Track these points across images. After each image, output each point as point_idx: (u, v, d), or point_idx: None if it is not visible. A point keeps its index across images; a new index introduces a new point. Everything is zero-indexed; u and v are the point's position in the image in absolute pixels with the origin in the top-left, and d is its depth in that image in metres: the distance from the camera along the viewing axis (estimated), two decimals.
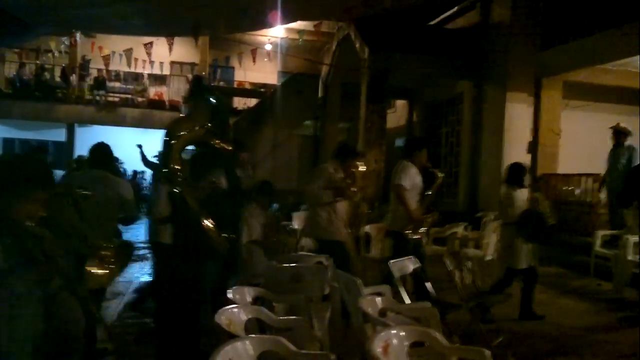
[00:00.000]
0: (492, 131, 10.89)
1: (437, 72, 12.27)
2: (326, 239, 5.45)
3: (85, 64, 17.05)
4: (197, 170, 4.23)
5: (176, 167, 3.68)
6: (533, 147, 10.30)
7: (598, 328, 5.18)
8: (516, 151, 9.88)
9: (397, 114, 16.68)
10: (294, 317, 3.69)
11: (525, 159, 9.56)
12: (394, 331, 2.94)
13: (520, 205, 5.54)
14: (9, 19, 6.79)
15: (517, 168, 5.76)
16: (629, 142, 7.68)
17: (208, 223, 3.78)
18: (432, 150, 13.88)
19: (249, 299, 4.15)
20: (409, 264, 4.67)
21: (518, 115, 10.42)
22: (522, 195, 5.59)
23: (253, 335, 3.17)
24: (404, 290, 4.37)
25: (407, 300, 4.31)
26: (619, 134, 7.59)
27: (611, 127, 7.63)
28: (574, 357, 4.48)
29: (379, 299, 3.74)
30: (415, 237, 5.46)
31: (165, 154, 3.71)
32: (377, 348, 2.73)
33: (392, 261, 4.57)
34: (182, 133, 3.75)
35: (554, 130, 10.23)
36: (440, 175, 5.64)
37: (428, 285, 4.67)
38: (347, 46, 13.66)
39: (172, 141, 3.68)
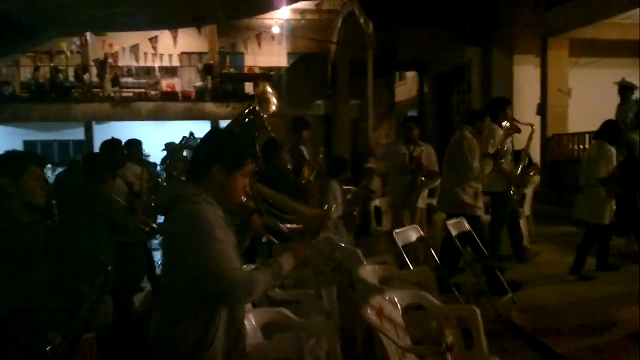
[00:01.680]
0: (501, 95, 10.84)
1: (445, 41, 12.20)
2: (471, 215, 5.22)
3: (103, 64, 17.30)
4: (267, 151, 4.44)
5: None
6: (542, 108, 10.25)
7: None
8: (526, 114, 9.83)
9: (408, 85, 16.64)
10: (301, 290, 3.87)
11: (535, 120, 9.54)
12: (388, 295, 3.09)
13: (611, 162, 5.44)
14: (16, 26, 7.01)
15: (613, 124, 5.66)
16: (636, 95, 7.62)
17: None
18: (443, 119, 14.00)
19: None
20: (412, 233, 4.80)
21: (526, 78, 10.36)
22: (612, 151, 5.47)
23: (257, 309, 3.35)
24: (406, 258, 4.50)
25: (411, 267, 4.46)
26: (625, 88, 7.52)
27: (615, 83, 7.56)
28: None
29: (377, 267, 3.89)
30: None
31: None
32: (372, 313, 2.89)
33: (396, 231, 4.71)
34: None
35: (563, 90, 10.15)
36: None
37: (432, 252, 4.80)
38: (352, 22, 13.65)
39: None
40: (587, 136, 9.34)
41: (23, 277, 2.41)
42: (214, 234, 1.88)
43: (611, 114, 8.04)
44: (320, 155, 6.18)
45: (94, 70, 17.91)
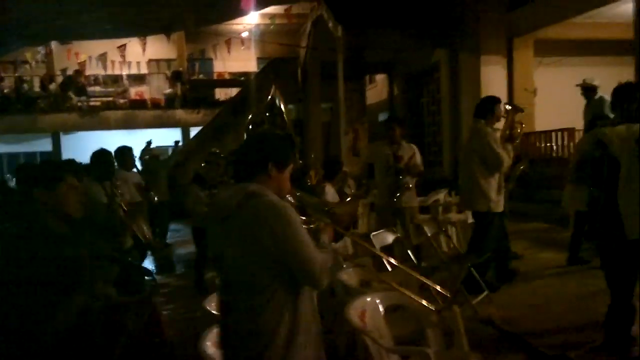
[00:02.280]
0: (469, 96, 11.03)
1: (413, 43, 12.35)
2: (494, 212, 5.11)
3: (69, 80, 17.02)
4: None
5: None
6: None
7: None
8: None
9: (378, 88, 16.79)
10: None
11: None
12: (369, 298, 3.13)
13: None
14: None
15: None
16: (600, 93, 7.82)
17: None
18: (414, 120, 14.17)
19: None
20: (389, 236, 4.86)
21: (493, 78, 10.56)
22: None
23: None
24: (387, 261, 4.55)
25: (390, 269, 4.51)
26: (587, 90, 7.71)
27: (577, 85, 7.75)
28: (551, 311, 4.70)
29: (357, 270, 3.94)
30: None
31: None
32: (355, 315, 2.93)
33: (373, 234, 4.77)
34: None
35: (528, 89, 10.39)
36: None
37: (409, 253, 4.87)
38: (321, 26, 13.70)
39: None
40: (553, 134, 9.57)
41: (63, 293, 2.40)
42: (300, 222, 2.09)
43: (576, 112, 8.27)
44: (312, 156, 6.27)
45: (60, 80, 17.58)
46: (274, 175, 2.18)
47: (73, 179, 2.60)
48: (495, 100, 5.28)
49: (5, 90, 17.50)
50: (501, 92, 10.59)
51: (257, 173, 2.16)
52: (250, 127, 3.30)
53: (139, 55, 16.56)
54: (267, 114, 3.20)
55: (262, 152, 2.20)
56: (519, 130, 5.33)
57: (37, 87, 18.11)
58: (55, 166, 2.71)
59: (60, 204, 2.53)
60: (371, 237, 4.67)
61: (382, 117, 16.01)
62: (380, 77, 16.75)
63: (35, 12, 6.21)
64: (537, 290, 5.14)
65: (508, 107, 5.46)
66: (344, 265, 4.03)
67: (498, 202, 5.16)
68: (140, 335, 2.86)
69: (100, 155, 4.79)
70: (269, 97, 3.14)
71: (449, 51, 11.97)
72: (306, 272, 2.03)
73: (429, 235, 5.03)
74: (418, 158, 5.92)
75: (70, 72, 16.81)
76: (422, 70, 13.91)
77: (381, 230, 4.81)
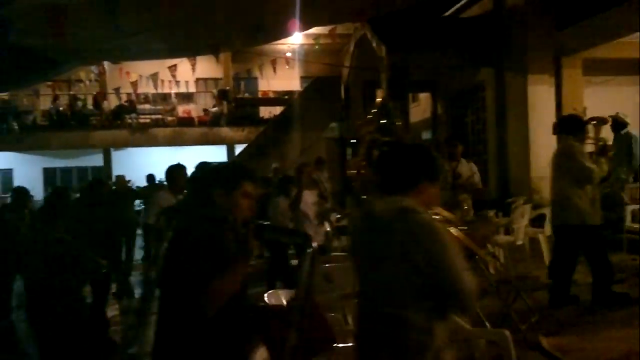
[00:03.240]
0: (516, 116, 10.90)
1: (457, 62, 12.30)
2: (589, 224, 5.06)
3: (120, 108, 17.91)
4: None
5: (362, 162, 4.19)
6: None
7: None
8: (542, 134, 9.88)
9: (422, 107, 16.73)
10: (329, 314, 3.91)
11: (551, 140, 9.58)
12: None
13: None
14: (39, 57, 7.24)
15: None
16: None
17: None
18: (458, 140, 14.03)
19: (284, 301, 4.40)
20: None
21: (540, 98, 10.40)
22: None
23: None
24: None
25: None
26: (616, 124, 7.77)
27: (610, 116, 7.68)
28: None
29: None
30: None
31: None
32: None
33: None
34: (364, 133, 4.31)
35: (577, 109, 10.16)
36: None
37: None
38: (364, 46, 13.82)
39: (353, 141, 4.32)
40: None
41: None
42: (453, 243, 2.04)
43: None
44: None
45: (112, 98, 18.28)
46: (426, 190, 2.13)
47: (250, 185, 2.51)
48: (583, 120, 5.42)
49: (61, 108, 18.29)
50: (549, 111, 10.43)
51: (410, 187, 2.11)
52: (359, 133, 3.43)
53: (188, 75, 17.08)
54: (380, 122, 3.32)
55: (417, 165, 2.15)
56: (608, 143, 5.41)
57: (90, 105, 18.86)
58: (234, 170, 2.57)
59: (233, 208, 2.43)
60: None
61: (425, 135, 15.95)
62: (423, 96, 16.71)
63: (89, 33, 6.51)
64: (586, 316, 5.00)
65: (593, 121, 5.46)
66: None
67: (593, 214, 5.09)
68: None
69: (175, 170, 5.16)
70: (380, 105, 3.27)
71: (495, 70, 11.86)
72: (456, 294, 1.97)
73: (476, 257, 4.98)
74: (477, 177, 5.99)
75: (122, 90, 17.49)
76: (466, 89, 13.80)
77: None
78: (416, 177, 2.13)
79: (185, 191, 5.12)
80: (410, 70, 12.96)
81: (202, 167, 5.16)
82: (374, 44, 12.57)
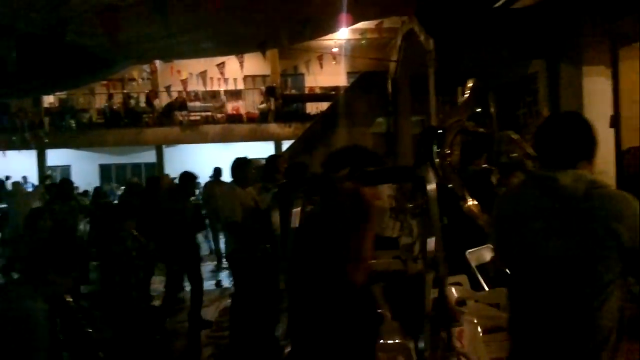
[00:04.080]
0: (570, 108, 10.51)
1: (507, 54, 11.97)
2: None
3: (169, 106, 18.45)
4: (467, 155, 4.59)
5: (447, 151, 4.18)
6: (616, 121, 9.85)
7: None
8: (599, 126, 9.45)
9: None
10: None
11: (609, 133, 9.21)
12: (467, 318, 3.07)
13: None
14: (93, 57, 7.50)
15: None
16: None
17: (471, 204, 4.12)
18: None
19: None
20: (486, 253, 4.72)
21: (596, 89, 9.99)
22: None
23: None
24: (482, 279, 4.44)
25: (486, 288, 4.39)
26: None
27: None
28: None
29: (454, 289, 3.86)
30: None
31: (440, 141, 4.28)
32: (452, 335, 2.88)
33: (469, 251, 4.65)
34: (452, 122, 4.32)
35: (637, 101, 9.73)
36: None
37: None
38: (412, 40, 13.64)
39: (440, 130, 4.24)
40: None
41: None
42: None
43: None
44: None
45: (164, 96, 18.74)
46: (585, 167, 2.06)
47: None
48: None
49: (115, 106, 18.89)
50: (605, 103, 10.00)
51: (580, 160, 2.04)
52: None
53: (236, 72, 17.31)
54: (476, 112, 3.29)
55: (589, 138, 2.09)
56: None
57: (142, 103, 19.41)
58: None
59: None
60: (467, 254, 4.56)
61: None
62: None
63: (142, 33, 6.68)
64: None
65: None
66: None
67: None
68: None
69: (241, 163, 5.48)
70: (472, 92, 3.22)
71: (548, 62, 11.48)
72: None
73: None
74: None
75: (173, 89, 17.93)
76: (517, 82, 13.43)
77: (479, 248, 4.68)
78: (588, 151, 2.07)
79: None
80: (458, 64, 12.72)
81: (241, 162, 5.54)
82: (422, 38, 12.39)
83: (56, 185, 7.27)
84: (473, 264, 4.52)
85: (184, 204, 6.56)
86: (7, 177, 17.60)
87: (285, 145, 18.13)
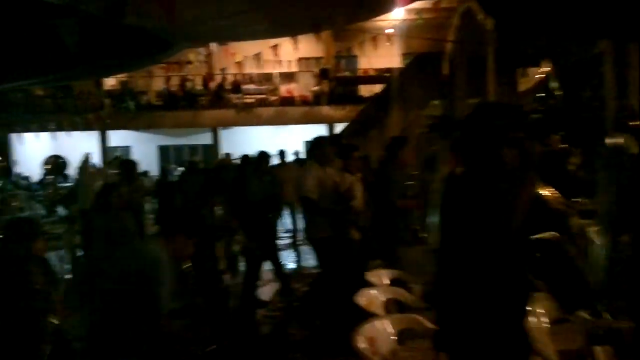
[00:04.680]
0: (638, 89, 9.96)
1: (571, 34, 11.42)
2: None
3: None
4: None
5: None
6: None
7: None
8: None
9: (531, 82, 15.78)
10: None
11: None
12: (532, 307, 2.95)
13: None
14: (157, 40, 7.64)
15: None
16: None
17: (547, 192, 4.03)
18: (572, 116, 13.12)
19: (386, 281, 4.35)
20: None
21: None
22: None
23: (392, 315, 3.36)
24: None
25: None
26: None
27: None
28: None
29: None
30: None
31: None
32: None
33: (535, 237, 4.48)
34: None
35: None
36: None
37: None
38: (470, 19, 13.21)
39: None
40: None
41: None
42: None
43: None
44: None
45: (219, 79, 19.02)
46: None
47: None
48: None
49: (172, 89, 19.30)
50: None
51: None
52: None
53: (290, 54, 17.33)
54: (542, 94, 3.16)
55: None
56: None
57: (199, 86, 19.75)
58: None
59: None
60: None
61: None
62: (533, 70, 15.75)
63: (198, 14, 6.72)
64: None
65: None
66: None
67: None
68: None
69: (320, 142, 5.60)
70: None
71: (615, 42, 10.88)
72: None
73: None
74: None
75: (229, 71, 18.15)
76: (581, 63, 12.82)
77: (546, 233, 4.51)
78: None
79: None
80: (519, 44, 12.26)
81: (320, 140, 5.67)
82: (481, 17, 11.98)
83: (123, 164, 7.55)
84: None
85: (262, 183, 6.60)
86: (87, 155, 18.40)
87: (338, 128, 18.07)
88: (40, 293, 3.45)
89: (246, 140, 18.42)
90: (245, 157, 7.81)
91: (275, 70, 19.01)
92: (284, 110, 18.92)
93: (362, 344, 2.88)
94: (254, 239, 6.35)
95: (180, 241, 3.30)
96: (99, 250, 3.34)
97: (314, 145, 5.62)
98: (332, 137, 5.99)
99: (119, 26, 4.70)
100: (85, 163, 9.98)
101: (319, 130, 19.37)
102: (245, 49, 17.76)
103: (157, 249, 3.17)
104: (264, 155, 6.85)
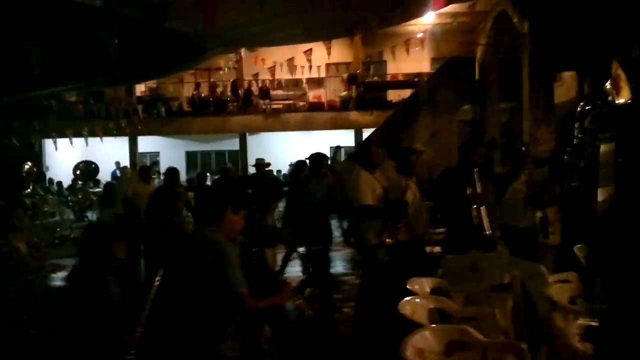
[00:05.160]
0: None
1: (609, 37, 11.14)
2: None
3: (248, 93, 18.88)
4: None
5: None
6: None
7: None
8: None
9: (565, 86, 15.44)
10: (477, 306, 3.70)
11: None
12: (582, 320, 2.82)
13: None
14: (189, 44, 7.66)
15: None
16: None
17: None
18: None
19: (427, 289, 4.24)
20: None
21: None
22: None
23: (440, 325, 3.25)
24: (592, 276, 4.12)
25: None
26: None
27: None
28: None
29: (566, 287, 3.59)
30: None
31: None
32: (573, 337, 2.65)
33: (577, 246, 4.32)
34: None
35: None
36: None
37: None
38: (503, 23, 13.02)
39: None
40: None
41: None
42: None
43: None
44: None
45: (250, 85, 19.13)
46: None
47: None
48: None
49: (202, 95, 19.45)
50: None
51: None
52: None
53: (319, 60, 17.26)
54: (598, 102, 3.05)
55: None
56: None
57: (228, 92, 19.87)
58: None
59: None
60: (575, 250, 4.25)
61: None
62: (567, 75, 15.41)
63: (237, 18, 6.70)
64: None
65: None
66: (549, 280, 3.71)
67: None
68: None
69: (366, 146, 5.78)
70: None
71: None
72: None
73: None
74: None
75: (259, 77, 18.24)
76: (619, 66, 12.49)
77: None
78: None
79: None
80: (555, 47, 12.01)
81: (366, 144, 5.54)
82: (516, 20, 11.79)
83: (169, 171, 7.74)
84: (583, 260, 4.21)
85: (319, 188, 6.47)
86: (118, 163, 18.83)
87: (366, 133, 17.96)
88: (117, 307, 3.39)
89: (273, 146, 18.45)
90: (300, 162, 7.67)
91: (304, 75, 19.01)
92: (312, 116, 18.88)
93: (410, 355, 2.77)
94: (314, 243, 6.16)
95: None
96: (176, 258, 3.21)
97: (361, 151, 5.51)
98: (388, 138, 5.83)
99: (158, 30, 4.70)
100: (124, 170, 10.19)
101: (347, 135, 19.30)
102: (274, 55, 17.79)
103: (219, 240, 3.07)
104: (320, 158, 6.67)
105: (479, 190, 5.07)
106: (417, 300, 3.73)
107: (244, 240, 3.81)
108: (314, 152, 6.73)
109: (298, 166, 7.76)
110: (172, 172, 7.64)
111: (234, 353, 3.03)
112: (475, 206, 4.99)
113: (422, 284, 4.21)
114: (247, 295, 2.97)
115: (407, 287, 4.16)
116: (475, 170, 5.19)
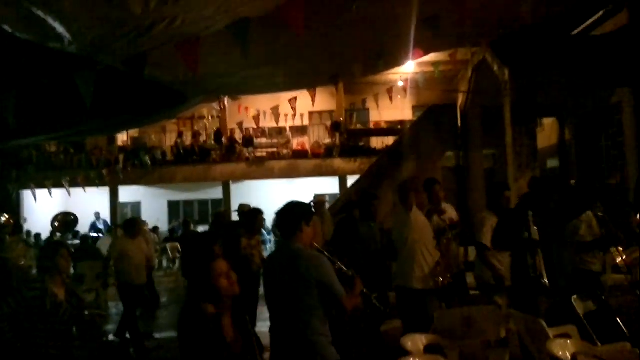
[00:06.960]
0: None
1: (588, 83, 11.34)
2: None
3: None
4: None
5: None
6: None
7: None
8: None
9: (546, 132, 15.63)
10: None
11: None
12: None
13: None
14: (169, 93, 7.57)
15: None
16: None
17: None
18: (590, 167, 12.89)
19: (421, 346, 4.02)
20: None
21: None
22: None
23: None
24: (591, 330, 3.94)
25: (597, 342, 3.88)
26: None
27: None
28: None
29: (569, 342, 3.40)
30: None
31: None
32: None
33: (575, 296, 4.16)
34: None
35: None
36: None
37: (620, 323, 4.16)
38: (483, 71, 13.23)
39: None
40: None
41: None
42: None
43: None
44: None
45: (233, 133, 19.09)
46: None
47: None
48: None
49: (185, 144, 19.34)
50: None
51: None
52: None
53: (302, 108, 17.34)
54: None
55: None
56: None
57: (212, 140, 19.79)
58: None
59: None
60: (573, 300, 4.08)
61: (551, 163, 14.86)
62: (547, 121, 15.63)
63: (219, 66, 6.64)
64: None
65: None
66: (549, 335, 3.52)
67: None
68: None
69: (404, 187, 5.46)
70: None
71: (633, 90, 10.78)
72: None
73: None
74: None
75: (245, 125, 18.21)
76: (599, 112, 12.70)
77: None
78: None
79: None
80: (534, 94, 12.17)
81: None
82: (496, 67, 11.97)
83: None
84: (580, 311, 4.04)
85: (371, 230, 6.23)
86: (97, 214, 18.48)
87: (350, 180, 17.89)
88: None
89: (257, 194, 18.26)
90: (350, 202, 7.48)
91: (288, 123, 19.05)
92: (296, 164, 18.81)
93: None
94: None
95: None
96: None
97: (400, 191, 5.30)
98: (427, 182, 5.65)
99: (138, 78, 4.59)
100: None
101: (331, 183, 19.21)
102: (259, 103, 17.86)
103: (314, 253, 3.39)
104: (369, 198, 6.44)
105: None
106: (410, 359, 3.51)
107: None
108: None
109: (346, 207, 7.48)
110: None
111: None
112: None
113: (416, 341, 3.99)
114: (346, 298, 3.27)
115: (401, 344, 3.96)
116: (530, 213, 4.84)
